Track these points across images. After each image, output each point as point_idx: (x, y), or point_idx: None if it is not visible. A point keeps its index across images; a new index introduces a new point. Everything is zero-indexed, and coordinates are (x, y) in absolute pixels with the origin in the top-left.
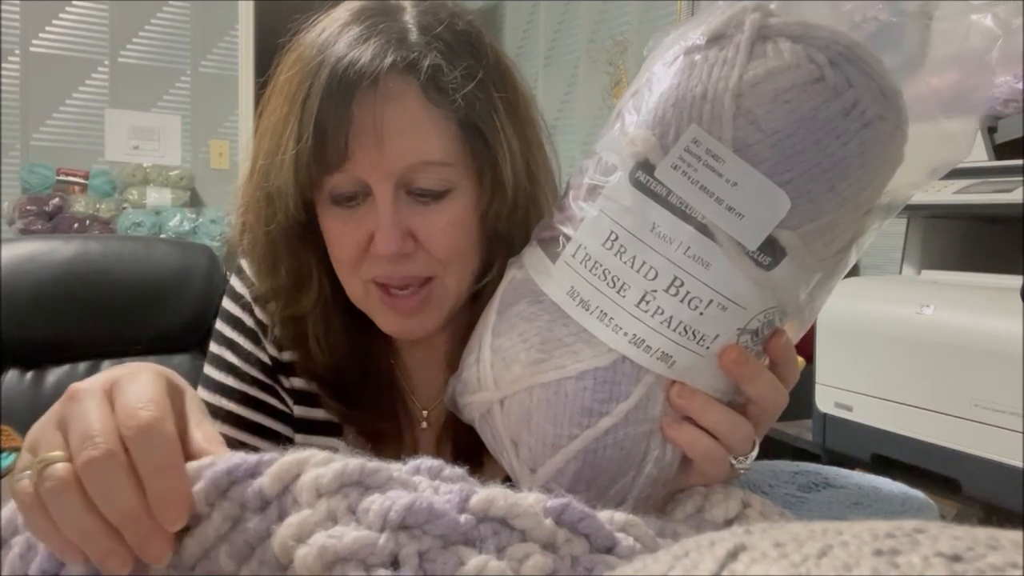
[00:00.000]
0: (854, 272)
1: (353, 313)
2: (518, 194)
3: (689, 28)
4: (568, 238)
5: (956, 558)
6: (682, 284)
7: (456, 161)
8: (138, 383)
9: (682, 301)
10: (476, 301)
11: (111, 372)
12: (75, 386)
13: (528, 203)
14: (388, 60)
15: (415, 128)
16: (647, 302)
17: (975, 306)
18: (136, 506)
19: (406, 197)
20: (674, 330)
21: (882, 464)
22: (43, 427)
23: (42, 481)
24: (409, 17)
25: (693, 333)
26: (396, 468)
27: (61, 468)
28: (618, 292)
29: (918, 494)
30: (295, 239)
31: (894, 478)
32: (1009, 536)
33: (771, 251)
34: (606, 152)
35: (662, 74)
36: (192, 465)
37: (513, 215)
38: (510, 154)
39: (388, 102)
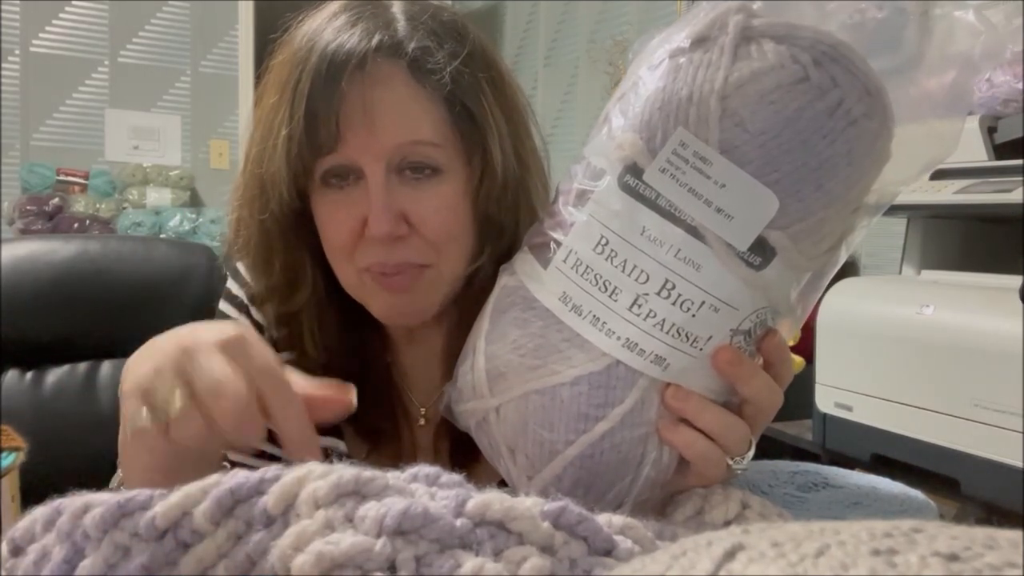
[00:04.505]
0: (854, 272)
1: (348, 310)
2: (507, 177)
3: (674, 31)
4: (559, 243)
5: (953, 557)
6: (673, 287)
7: (445, 142)
8: (259, 345)
9: (674, 303)
10: (468, 292)
11: (215, 327)
12: (185, 340)
13: (518, 187)
14: (375, 41)
15: (404, 108)
16: (639, 305)
17: (975, 306)
18: (258, 440)
19: (397, 179)
20: (667, 332)
21: (882, 464)
22: (156, 375)
23: (175, 426)
24: (396, 9)
25: (686, 335)
26: (393, 476)
27: (193, 416)
28: (610, 296)
29: (917, 494)
30: (288, 230)
31: (894, 478)
32: (1006, 536)
33: (761, 251)
34: (594, 156)
35: (648, 77)
36: (196, 484)
37: (503, 198)
38: (499, 135)
39: (376, 83)
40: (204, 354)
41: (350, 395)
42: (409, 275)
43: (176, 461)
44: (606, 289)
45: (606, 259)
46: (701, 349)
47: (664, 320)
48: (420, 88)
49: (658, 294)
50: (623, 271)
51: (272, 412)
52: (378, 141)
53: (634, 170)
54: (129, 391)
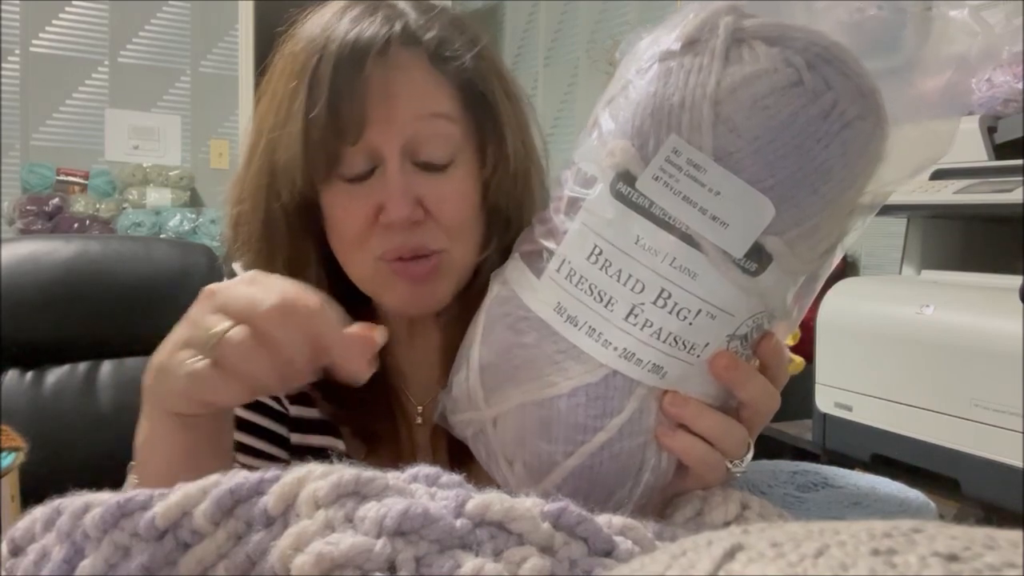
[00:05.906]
0: (854, 272)
1: (348, 311)
2: (518, 169)
3: (662, 33)
4: (551, 252)
5: (953, 558)
6: (669, 296)
7: (461, 120)
8: (281, 279)
9: (670, 312)
10: (471, 286)
11: (234, 279)
12: (210, 287)
13: (524, 180)
14: (396, 29)
15: (423, 87)
16: (635, 315)
17: (975, 306)
18: (307, 356)
19: (412, 168)
20: (664, 341)
21: (882, 464)
22: (192, 319)
23: (226, 348)
24: (405, 6)
25: (683, 343)
26: (393, 476)
27: (241, 331)
28: (605, 307)
29: (917, 494)
30: (295, 222)
31: (894, 478)
32: (1006, 536)
33: (757, 257)
34: (585, 163)
35: (638, 82)
36: (196, 484)
37: (513, 190)
38: (511, 125)
39: (397, 70)
40: (228, 288)
41: (376, 332)
42: (427, 265)
43: (205, 439)
44: (601, 299)
45: (600, 269)
46: (698, 356)
47: (661, 329)
48: (439, 73)
49: (654, 303)
50: (618, 281)
51: (310, 322)
52: (397, 117)
53: (627, 178)
54: (169, 352)
